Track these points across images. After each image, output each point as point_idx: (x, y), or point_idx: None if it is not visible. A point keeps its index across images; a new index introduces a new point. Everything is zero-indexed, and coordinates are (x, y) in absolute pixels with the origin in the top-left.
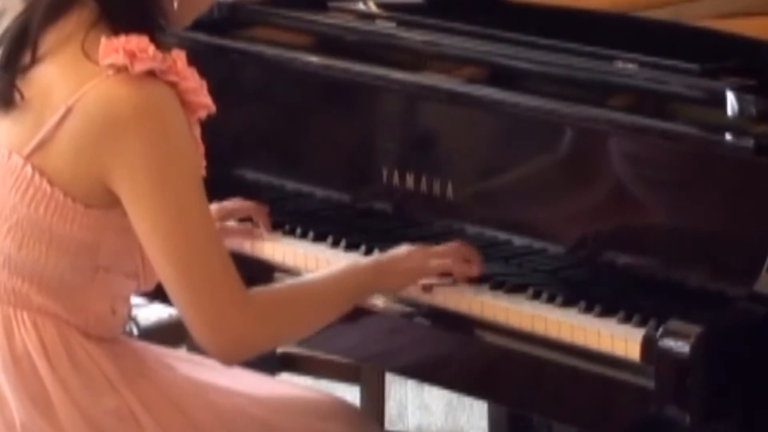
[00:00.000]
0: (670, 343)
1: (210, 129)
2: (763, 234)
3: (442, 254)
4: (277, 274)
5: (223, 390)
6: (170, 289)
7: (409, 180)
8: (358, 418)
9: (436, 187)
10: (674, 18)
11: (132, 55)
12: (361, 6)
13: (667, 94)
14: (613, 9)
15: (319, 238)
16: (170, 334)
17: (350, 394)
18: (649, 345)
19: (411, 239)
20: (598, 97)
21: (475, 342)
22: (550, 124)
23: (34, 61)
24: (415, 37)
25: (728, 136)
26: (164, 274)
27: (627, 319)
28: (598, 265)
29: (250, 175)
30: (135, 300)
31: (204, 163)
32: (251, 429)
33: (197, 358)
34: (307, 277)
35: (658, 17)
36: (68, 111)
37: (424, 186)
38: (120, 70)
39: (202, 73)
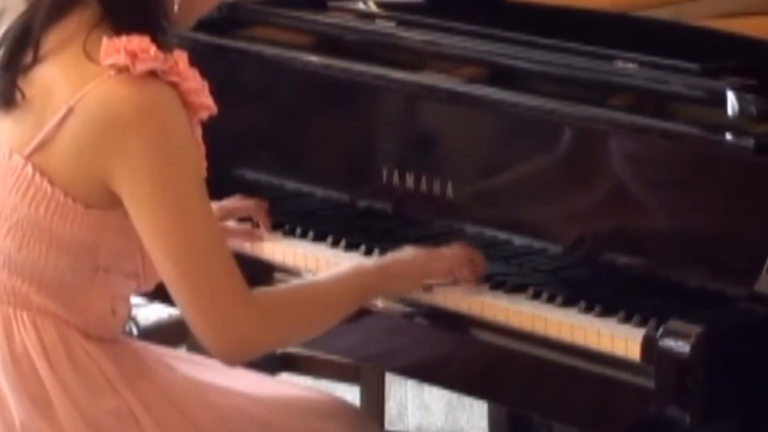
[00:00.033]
0: (670, 343)
1: (209, 128)
2: (764, 234)
3: (448, 258)
4: (276, 274)
5: (223, 390)
6: (172, 290)
7: (409, 180)
8: (358, 418)
9: (436, 187)
10: (674, 17)
11: (133, 56)
12: (361, 5)
13: (667, 94)
14: (613, 8)
15: (319, 237)
16: (170, 334)
17: (350, 394)
18: (649, 345)
19: (411, 239)
20: (598, 96)
21: (475, 342)
22: (550, 124)
23: (36, 60)
24: (415, 36)
25: (728, 136)
26: (166, 274)
27: (627, 319)
28: (598, 265)
29: (250, 174)
30: (135, 300)
31: (205, 163)
32: (251, 429)
33: (197, 358)
34: (312, 278)
35: (659, 17)
36: (69, 111)
37: (424, 186)
38: (121, 70)
39: (202, 72)
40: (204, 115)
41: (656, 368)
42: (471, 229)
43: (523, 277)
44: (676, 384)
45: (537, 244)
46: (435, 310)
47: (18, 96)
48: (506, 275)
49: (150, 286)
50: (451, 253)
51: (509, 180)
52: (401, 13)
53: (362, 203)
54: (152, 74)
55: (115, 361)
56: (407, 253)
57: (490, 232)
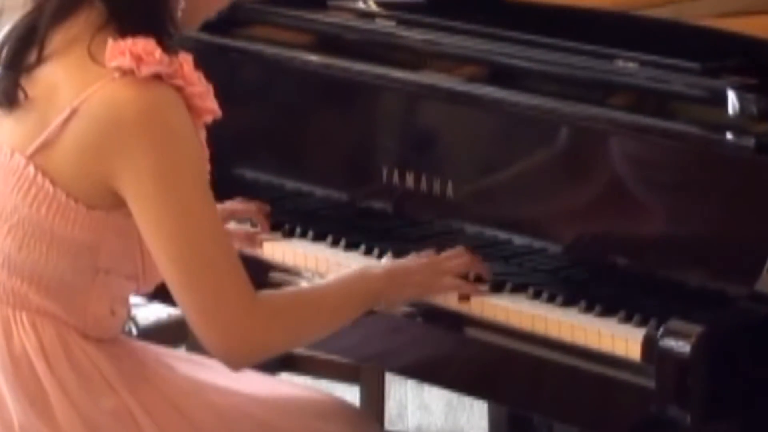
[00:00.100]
0: (670, 342)
1: (209, 128)
2: (764, 233)
3: (454, 270)
4: (276, 274)
5: (223, 390)
6: (175, 292)
7: (409, 179)
8: (358, 418)
9: (436, 187)
10: (675, 17)
11: (138, 58)
12: (360, 5)
13: (667, 93)
14: (613, 8)
15: (319, 237)
16: (169, 333)
17: (350, 394)
18: (649, 345)
19: (411, 239)
20: (599, 96)
21: (475, 342)
22: (551, 123)
23: (40, 60)
24: (415, 35)
25: (729, 135)
26: (168, 276)
27: (627, 319)
28: (598, 264)
29: (250, 174)
30: (134, 300)
31: (209, 167)
32: (251, 429)
33: (197, 357)
34: (317, 282)
35: (659, 16)
36: (73, 112)
37: (423, 185)
38: (126, 72)
39: (203, 73)
40: (208, 118)
41: (657, 368)
42: (471, 228)
43: (523, 276)
44: (677, 384)
45: (537, 244)
46: (435, 310)
47: (21, 95)
48: (506, 275)
49: (149, 288)
50: (458, 265)
51: (509, 179)
52: (401, 12)
53: (362, 203)
54: (157, 77)
55: (114, 361)
56: (415, 261)
57: (490, 232)
